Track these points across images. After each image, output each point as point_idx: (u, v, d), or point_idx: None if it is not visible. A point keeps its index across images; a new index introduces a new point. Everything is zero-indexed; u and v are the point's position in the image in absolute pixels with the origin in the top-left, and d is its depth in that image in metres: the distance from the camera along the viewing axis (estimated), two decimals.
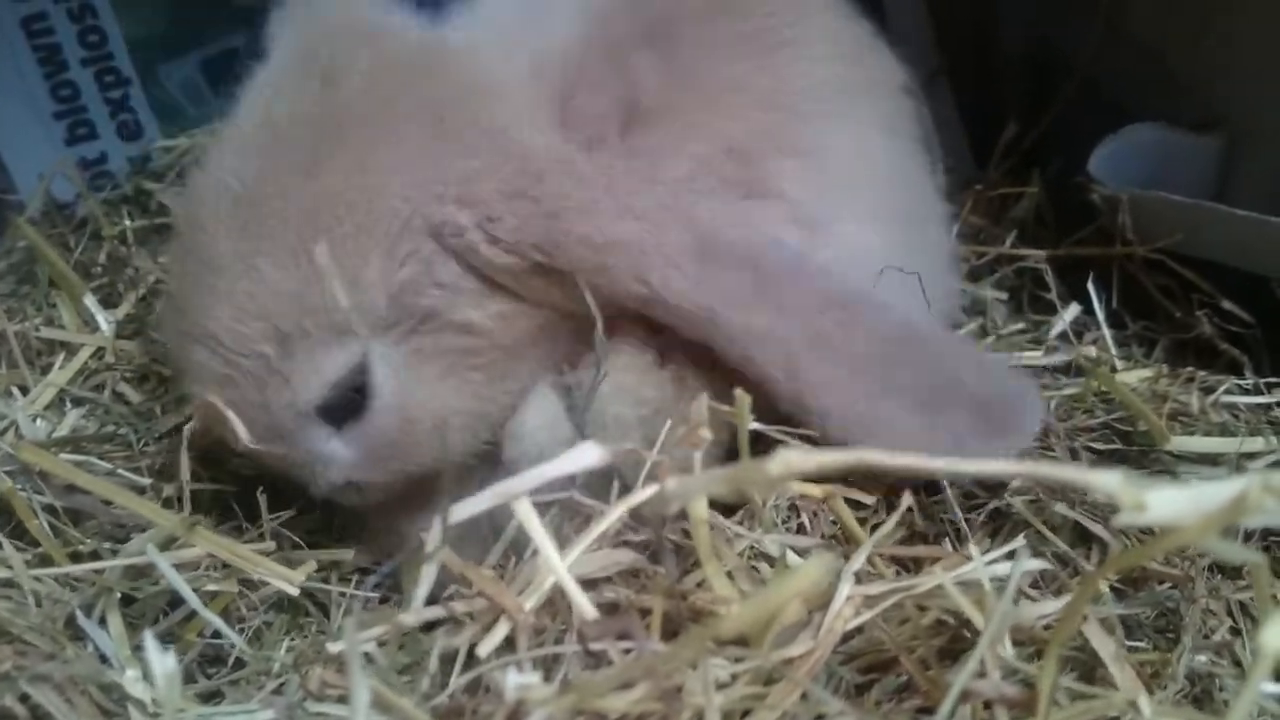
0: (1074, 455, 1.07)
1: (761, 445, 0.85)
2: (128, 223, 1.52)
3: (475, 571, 0.72)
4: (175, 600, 0.96)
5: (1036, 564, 0.85)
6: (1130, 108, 1.51)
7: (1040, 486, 1.03)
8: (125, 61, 1.89)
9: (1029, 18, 1.83)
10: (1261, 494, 0.48)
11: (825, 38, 1.16)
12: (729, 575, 0.79)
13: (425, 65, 0.98)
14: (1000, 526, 1.00)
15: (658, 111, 1.03)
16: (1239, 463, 1.06)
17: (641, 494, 0.67)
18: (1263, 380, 1.18)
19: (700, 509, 0.73)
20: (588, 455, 0.69)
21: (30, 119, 1.84)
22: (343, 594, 1.03)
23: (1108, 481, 0.51)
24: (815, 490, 0.86)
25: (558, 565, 0.68)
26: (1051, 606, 0.81)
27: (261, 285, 0.90)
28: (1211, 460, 1.07)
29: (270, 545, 1.00)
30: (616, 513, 0.70)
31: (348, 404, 0.94)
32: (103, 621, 0.93)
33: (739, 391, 0.75)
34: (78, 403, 1.22)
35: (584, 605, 0.68)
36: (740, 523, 0.92)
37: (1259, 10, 1.31)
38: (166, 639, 0.96)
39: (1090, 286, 1.32)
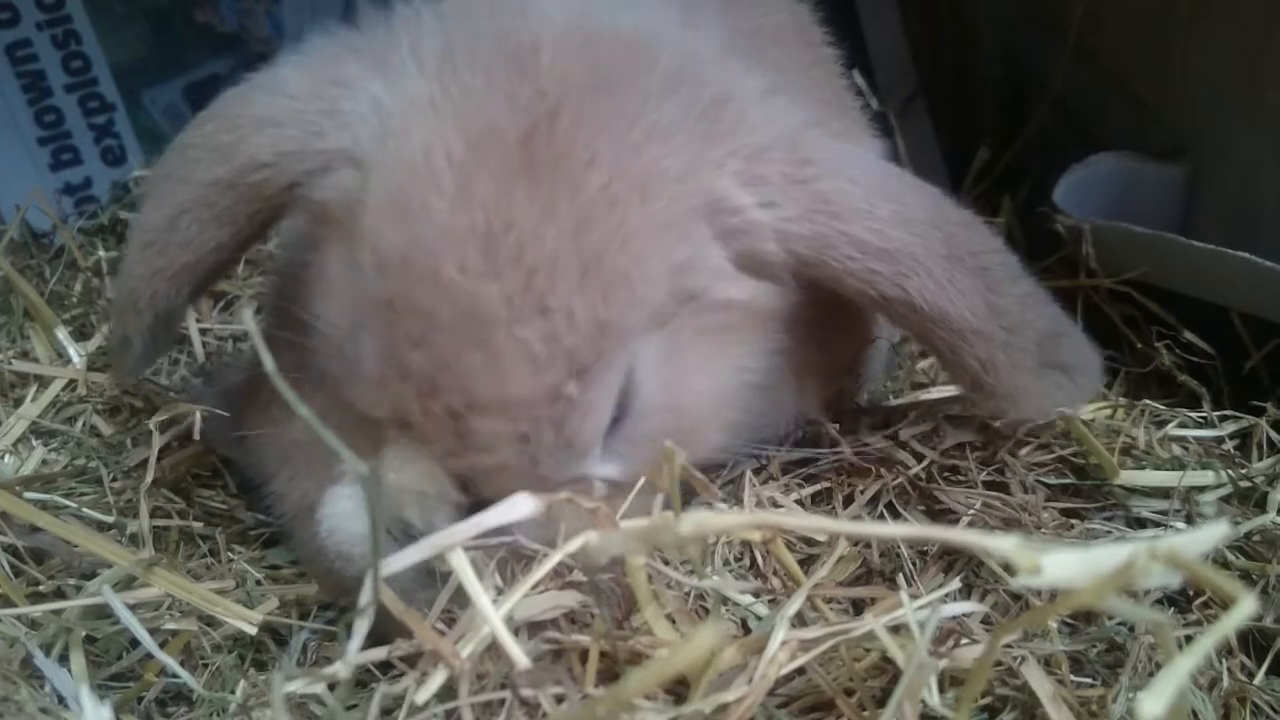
0: (1027, 489, 1.08)
1: None
2: (102, 253, 1.53)
3: (415, 619, 0.73)
4: (137, 638, 0.97)
5: (962, 607, 0.86)
6: (1100, 134, 1.53)
7: (995, 521, 1.04)
8: (109, 87, 1.92)
9: (1004, 43, 1.84)
10: (1148, 560, 0.49)
11: None
12: (670, 618, 0.81)
13: (636, 32, 0.95)
14: (954, 562, 1.01)
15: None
16: (1187, 495, 1.06)
17: (571, 545, 0.68)
18: (1215, 413, 1.19)
19: (635, 557, 0.74)
20: (521, 506, 0.70)
21: (15, 145, 1.87)
22: (302, 627, 1.03)
23: (1004, 546, 0.53)
24: (755, 535, 0.87)
25: (491, 615, 0.69)
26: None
27: (556, 320, 0.81)
28: (1162, 493, 1.08)
29: (230, 584, 1.01)
30: (549, 564, 0.71)
31: (619, 411, 0.89)
32: (65, 661, 0.94)
33: (668, 444, 0.75)
34: (50, 435, 1.23)
35: (517, 654, 0.69)
36: (686, 562, 0.94)
37: (1220, 42, 1.32)
38: (128, 677, 0.97)
39: None
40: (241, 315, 0.70)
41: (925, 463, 1.05)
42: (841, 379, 1.16)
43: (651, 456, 0.86)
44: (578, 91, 0.86)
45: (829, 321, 1.05)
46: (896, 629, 0.81)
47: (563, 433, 0.85)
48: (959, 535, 0.55)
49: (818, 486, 1.07)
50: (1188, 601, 1.00)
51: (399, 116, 0.88)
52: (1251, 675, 0.94)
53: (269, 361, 0.59)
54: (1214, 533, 0.52)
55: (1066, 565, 0.52)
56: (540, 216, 0.82)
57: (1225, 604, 0.99)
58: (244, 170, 0.95)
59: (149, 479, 1.02)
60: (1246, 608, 0.47)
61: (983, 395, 1.00)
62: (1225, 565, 1.02)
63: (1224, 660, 0.94)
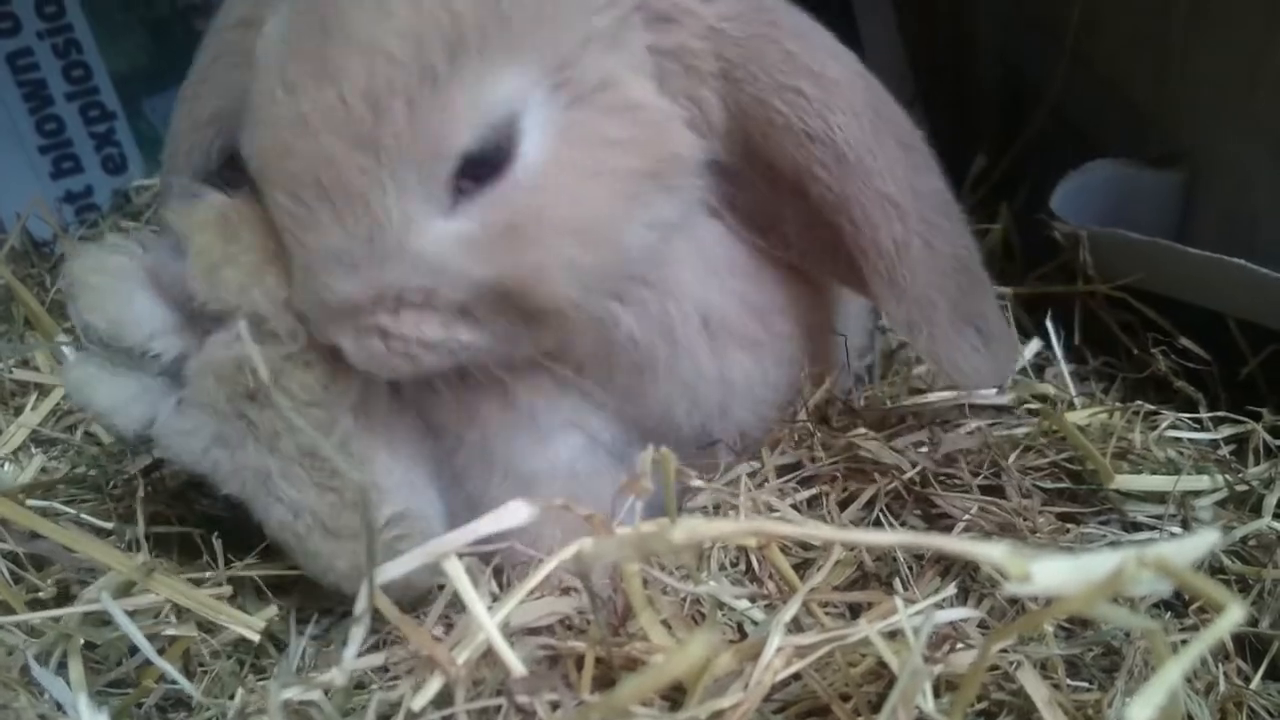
0: (1024, 493, 1.08)
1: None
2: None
3: (410, 626, 0.73)
4: (136, 645, 0.98)
5: (957, 613, 0.86)
6: (1098, 140, 1.53)
7: (991, 525, 1.04)
8: (110, 96, 1.92)
9: (1001, 48, 1.85)
10: (1138, 567, 0.50)
11: None
12: (665, 624, 0.81)
13: None
14: (950, 567, 1.01)
15: None
16: (1183, 500, 1.07)
17: (565, 552, 0.69)
18: (1208, 416, 1.19)
19: (629, 564, 0.75)
20: (515, 513, 0.70)
21: (16, 153, 1.88)
22: (300, 633, 1.04)
23: (994, 553, 0.53)
24: (751, 541, 0.88)
25: (486, 622, 0.69)
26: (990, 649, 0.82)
27: None
28: (1158, 498, 1.08)
29: (228, 590, 1.01)
30: (544, 571, 0.71)
31: (488, 160, 0.87)
32: (64, 668, 0.95)
33: (665, 450, 0.76)
34: (50, 443, 1.24)
35: (512, 662, 0.69)
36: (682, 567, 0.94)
37: (1215, 48, 1.32)
38: (127, 683, 0.97)
39: (1049, 324, 1.33)
40: (237, 328, 0.71)
41: (919, 468, 1.05)
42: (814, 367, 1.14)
43: (509, 246, 0.88)
44: None
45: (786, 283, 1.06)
46: (893, 634, 0.81)
47: (417, 113, 0.83)
48: (951, 542, 0.55)
49: (814, 490, 1.07)
50: (1184, 606, 1.01)
51: None
52: (1248, 680, 0.94)
53: (264, 373, 0.59)
54: (1203, 540, 0.52)
55: (1057, 572, 0.52)
56: None
57: (1220, 609, 0.99)
58: (259, 4, 0.97)
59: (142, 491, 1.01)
60: (1235, 615, 0.47)
61: (894, 295, 0.98)
62: (1221, 570, 1.02)
63: (1220, 665, 0.95)
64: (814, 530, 0.56)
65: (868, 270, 0.98)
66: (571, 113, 0.89)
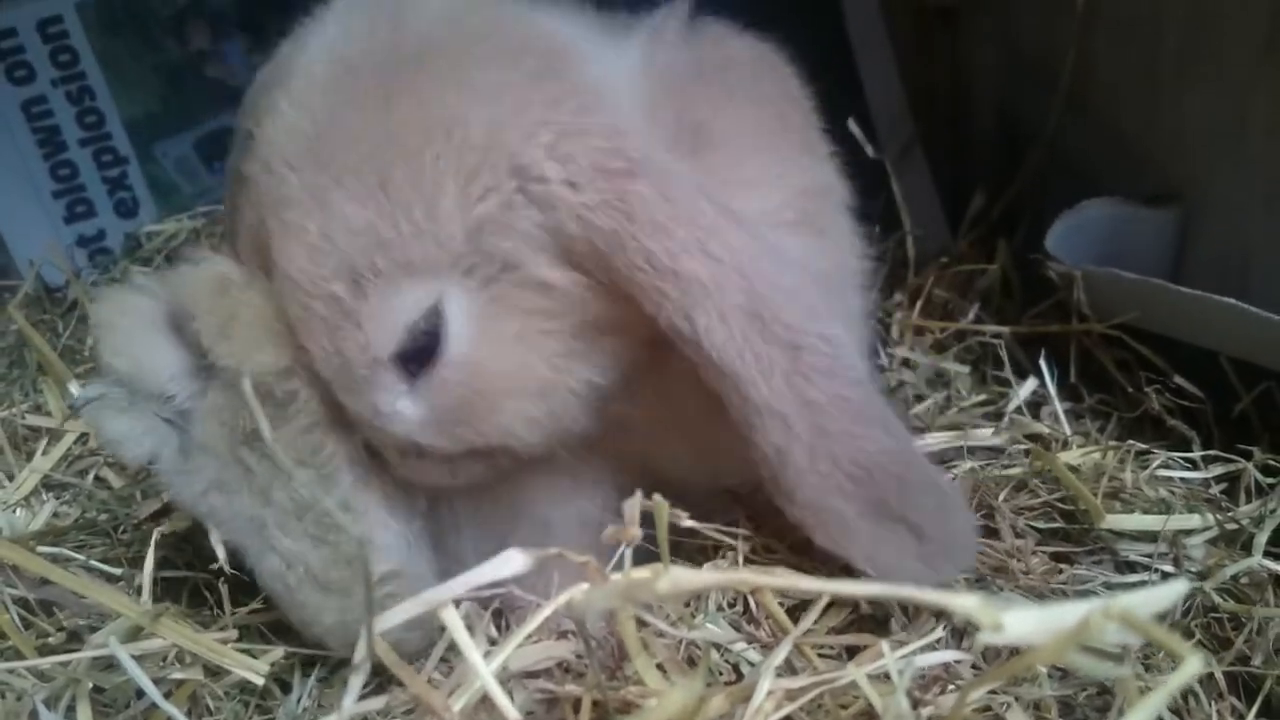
0: (1018, 534, 1.09)
1: None
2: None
3: (408, 672, 0.75)
4: (143, 689, 0.99)
5: (945, 655, 0.87)
6: (1094, 180, 1.55)
7: (985, 566, 1.06)
8: (123, 141, 1.96)
9: (998, 91, 1.87)
10: (1102, 619, 0.51)
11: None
12: (660, 668, 0.82)
13: (514, 15, 0.99)
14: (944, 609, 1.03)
15: (722, 137, 1.06)
16: (1174, 539, 1.08)
17: (557, 600, 0.71)
18: (1200, 455, 1.21)
19: (622, 610, 0.77)
20: (512, 562, 0.72)
21: (30, 198, 1.91)
22: (306, 675, 1.05)
23: (966, 603, 0.55)
24: (742, 587, 0.89)
25: (482, 670, 0.71)
26: (973, 695, 0.84)
27: (334, 221, 0.89)
28: (1150, 537, 1.09)
29: (233, 634, 1.03)
30: (540, 617, 0.73)
31: (422, 351, 0.92)
32: (73, 711, 0.97)
33: (657, 497, 0.78)
34: (61, 488, 1.26)
35: (508, 710, 0.71)
36: (686, 605, 0.96)
37: (1204, 88, 1.34)
38: None
39: (1043, 363, 1.35)
40: (240, 386, 0.73)
41: None
42: None
43: (457, 418, 0.94)
44: (433, 45, 0.94)
45: None
46: (886, 676, 0.83)
47: (336, 337, 0.91)
48: (924, 594, 0.57)
49: None
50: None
51: (300, 43, 0.99)
52: (1242, 717, 0.95)
53: (266, 430, 0.62)
54: (1170, 591, 0.54)
55: (1027, 623, 0.54)
56: (357, 135, 0.90)
57: (1220, 646, 1.01)
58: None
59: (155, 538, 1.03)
60: (1193, 667, 0.49)
61: (782, 496, 0.95)
62: (1213, 608, 1.03)
63: (1214, 703, 0.96)
64: (794, 582, 0.58)
65: (757, 463, 0.95)
66: (487, 291, 0.92)
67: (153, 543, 1.04)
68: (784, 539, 1.07)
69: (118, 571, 1.12)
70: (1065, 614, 0.53)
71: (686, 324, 0.90)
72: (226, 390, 0.96)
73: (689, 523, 0.91)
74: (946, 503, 0.98)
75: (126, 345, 0.99)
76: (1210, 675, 0.97)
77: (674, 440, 1.05)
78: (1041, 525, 1.11)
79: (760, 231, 0.97)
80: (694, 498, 1.06)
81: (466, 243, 0.91)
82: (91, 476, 1.29)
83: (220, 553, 0.98)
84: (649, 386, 1.01)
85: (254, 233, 0.95)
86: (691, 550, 1.07)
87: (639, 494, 0.80)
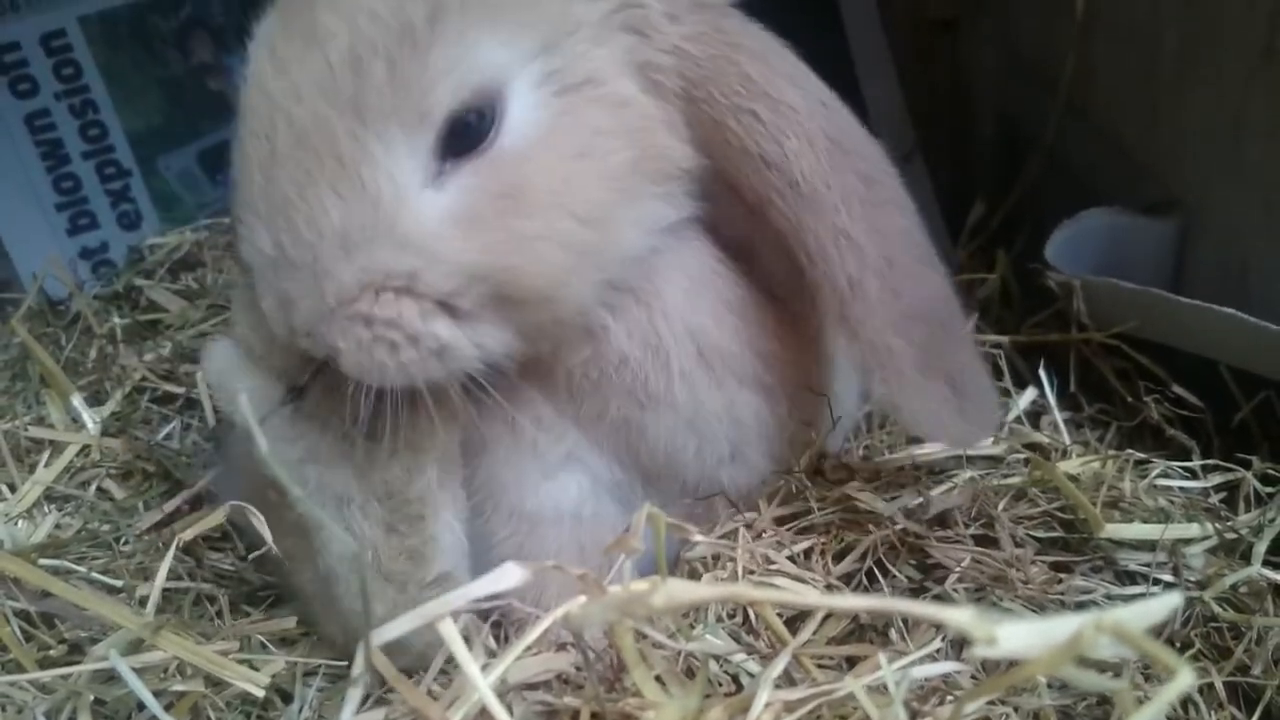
0: (1017, 543, 1.09)
1: None
2: (117, 320, 1.57)
3: (406, 685, 0.75)
4: (144, 702, 1.00)
5: (944, 667, 0.87)
6: (1094, 189, 1.55)
7: (984, 576, 1.06)
8: (126, 154, 1.97)
9: (998, 100, 1.88)
10: (1095, 632, 0.52)
11: None
12: (659, 679, 0.83)
13: None
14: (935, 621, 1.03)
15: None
16: (1174, 548, 1.08)
17: (555, 613, 0.71)
18: (1200, 464, 1.21)
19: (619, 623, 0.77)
20: (509, 576, 0.72)
21: (33, 211, 1.92)
22: (306, 686, 1.06)
23: (960, 617, 0.55)
24: (738, 601, 0.90)
25: (480, 683, 0.71)
26: (971, 707, 0.84)
27: None
28: (1149, 546, 1.09)
29: (234, 645, 1.03)
30: (537, 630, 0.73)
31: (471, 130, 0.88)
32: None
33: (656, 511, 0.78)
34: (64, 500, 1.27)
35: None
36: (686, 617, 0.96)
37: (1202, 98, 1.34)
38: None
39: (1042, 373, 1.35)
40: (237, 402, 0.72)
41: (906, 522, 1.07)
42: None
43: (490, 225, 0.88)
44: None
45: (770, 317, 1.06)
46: (884, 687, 0.83)
47: (396, 71, 0.85)
48: (920, 607, 0.57)
49: (810, 541, 1.09)
50: (1180, 652, 1.01)
51: None
52: None
53: (262, 443, 0.62)
54: (1161, 605, 0.54)
55: (1020, 636, 0.54)
56: None
57: (1220, 656, 1.01)
58: None
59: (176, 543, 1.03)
60: (1185, 680, 0.49)
61: (848, 334, 0.97)
62: (1212, 618, 1.03)
63: (1214, 712, 0.96)
64: (790, 596, 0.58)
65: (821, 307, 0.98)
66: (559, 100, 0.91)
67: (170, 553, 1.04)
68: (782, 549, 1.08)
69: (119, 583, 1.12)
70: (1058, 627, 0.53)
71: (777, 149, 0.93)
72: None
73: (695, 537, 0.92)
74: (976, 361, 1.03)
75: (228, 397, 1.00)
76: (1210, 684, 0.97)
77: (662, 410, 1.05)
78: (1041, 534, 1.11)
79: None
80: (686, 504, 1.08)
81: (558, 30, 0.90)
82: (94, 488, 1.30)
83: (267, 536, 0.97)
84: (646, 341, 1.01)
85: None
86: (691, 560, 1.07)
87: (646, 507, 0.80)
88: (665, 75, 0.94)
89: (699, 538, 1.02)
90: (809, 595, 0.59)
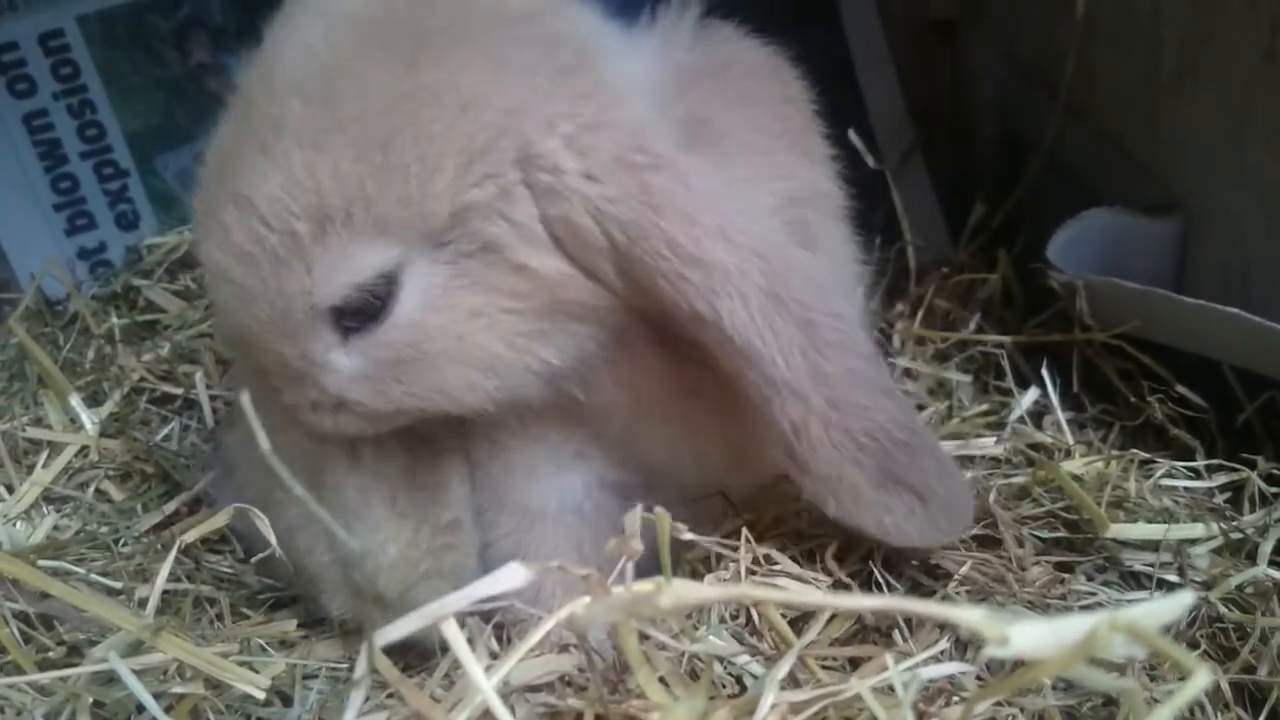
0: (1019, 543, 1.09)
1: None
2: (115, 320, 1.56)
3: (409, 686, 0.74)
4: (144, 704, 0.99)
5: (950, 668, 0.87)
6: (1095, 189, 1.55)
7: (986, 577, 1.05)
8: (124, 154, 1.96)
9: (999, 100, 1.87)
10: (1108, 631, 0.51)
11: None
12: (663, 680, 0.82)
13: (553, 3, 0.99)
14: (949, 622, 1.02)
15: (720, 134, 1.06)
16: (1178, 548, 1.07)
17: (560, 614, 0.70)
18: (1204, 464, 1.20)
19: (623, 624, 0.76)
20: (513, 576, 0.72)
21: (31, 211, 1.91)
22: (307, 688, 1.05)
23: (971, 617, 0.54)
24: (744, 601, 0.89)
25: (483, 684, 0.70)
26: (981, 707, 0.84)
27: (324, 160, 0.86)
28: (1154, 546, 1.09)
29: (234, 647, 1.03)
30: (540, 631, 0.73)
31: (364, 309, 0.92)
32: None
33: (659, 511, 0.78)
34: (62, 501, 1.26)
35: None
36: (689, 617, 0.96)
37: (1204, 100, 1.34)
38: None
39: (1045, 373, 1.35)
40: (239, 399, 0.72)
41: None
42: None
43: (393, 379, 0.94)
44: (471, 19, 0.93)
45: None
46: (890, 688, 0.83)
47: (282, 276, 0.90)
48: (930, 607, 0.57)
49: (813, 542, 1.08)
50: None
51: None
52: None
53: (264, 442, 0.61)
54: (1176, 603, 0.54)
55: (1033, 636, 0.53)
56: (374, 85, 0.88)
57: (1226, 657, 1.00)
58: None
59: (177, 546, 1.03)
60: (1201, 680, 0.48)
61: (797, 469, 0.97)
62: (1218, 618, 1.03)
63: (1220, 714, 0.95)
64: (796, 597, 0.57)
65: (771, 437, 0.97)
66: (453, 267, 0.92)
67: (172, 554, 1.03)
68: (785, 549, 1.07)
69: (118, 585, 1.12)
70: (1072, 627, 0.53)
71: (709, 308, 0.92)
72: None
73: (689, 535, 0.92)
74: (944, 466, 1.00)
75: None
76: (1216, 686, 0.97)
77: (650, 425, 1.05)
78: (1045, 535, 1.11)
79: (769, 216, 0.99)
80: (689, 501, 1.07)
81: (449, 220, 0.91)
82: (92, 489, 1.29)
83: (271, 538, 0.98)
84: (612, 375, 1.01)
85: (223, 155, 0.92)
86: (692, 560, 1.07)
87: (639, 507, 0.80)
88: (589, 235, 0.93)
89: (696, 537, 1.01)
90: (818, 595, 0.58)
